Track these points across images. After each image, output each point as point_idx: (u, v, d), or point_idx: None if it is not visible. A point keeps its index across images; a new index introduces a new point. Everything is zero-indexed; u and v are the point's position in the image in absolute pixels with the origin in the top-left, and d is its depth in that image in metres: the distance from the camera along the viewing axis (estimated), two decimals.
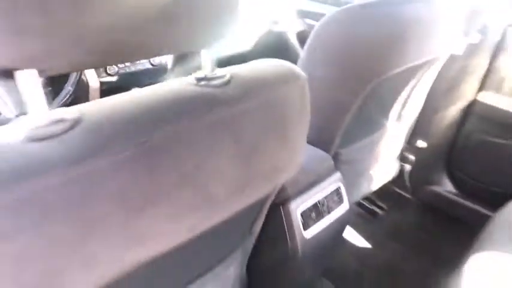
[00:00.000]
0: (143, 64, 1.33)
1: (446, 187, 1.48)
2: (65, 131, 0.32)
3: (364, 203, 1.55)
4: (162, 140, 0.35)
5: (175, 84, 0.42)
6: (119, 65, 1.28)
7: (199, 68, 0.43)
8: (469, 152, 1.41)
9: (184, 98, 0.39)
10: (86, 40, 0.29)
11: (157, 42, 0.33)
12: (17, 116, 0.44)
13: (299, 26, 1.69)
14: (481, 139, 1.37)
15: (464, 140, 1.41)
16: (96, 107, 0.37)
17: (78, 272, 0.33)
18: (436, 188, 1.49)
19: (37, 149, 0.31)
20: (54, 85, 1.08)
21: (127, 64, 1.30)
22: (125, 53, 0.33)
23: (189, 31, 0.34)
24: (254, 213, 0.65)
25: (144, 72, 1.36)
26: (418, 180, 1.50)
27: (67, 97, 1.04)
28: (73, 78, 1.06)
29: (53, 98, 1.06)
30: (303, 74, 0.50)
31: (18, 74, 0.30)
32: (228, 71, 0.44)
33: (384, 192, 1.49)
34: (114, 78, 1.31)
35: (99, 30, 0.29)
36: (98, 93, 1.27)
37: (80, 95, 1.19)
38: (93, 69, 1.23)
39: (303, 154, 0.55)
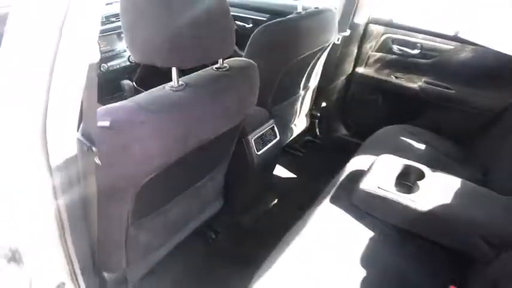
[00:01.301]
0: (125, 62, 1.81)
1: (342, 132, 2.18)
2: (184, 88, 0.87)
3: (290, 150, 2.20)
4: (211, 89, 0.92)
5: (210, 71, 0.98)
6: (108, 64, 1.75)
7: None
8: (353, 106, 2.11)
9: (215, 76, 0.97)
10: (192, 53, 0.83)
11: (211, 51, 0.88)
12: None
13: None
14: (360, 97, 2.06)
15: (350, 99, 2.10)
16: (189, 78, 0.92)
17: (192, 137, 0.89)
18: (336, 134, 2.18)
19: (176, 94, 0.85)
20: None
21: (113, 63, 1.77)
22: (202, 57, 0.87)
23: (221, 47, 0.89)
24: (233, 138, 1.23)
25: (124, 69, 1.84)
26: (324, 130, 2.18)
27: None
28: None
29: None
30: (255, 64, 1.09)
31: (172, 69, 0.84)
32: (227, 64, 1.01)
33: (302, 141, 2.15)
34: (104, 74, 1.77)
35: (194, 50, 0.84)
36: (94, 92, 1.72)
37: None
38: None
39: (256, 102, 1.14)
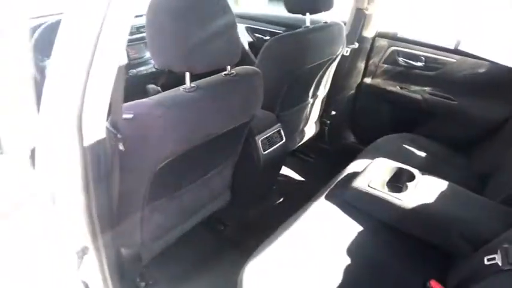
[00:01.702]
0: (151, 68, 2.00)
1: (350, 139, 2.29)
2: (195, 90, 1.04)
3: (300, 155, 2.33)
4: (218, 92, 1.08)
5: (219, 77, 1.14)
6: (136, 69, 1.95)
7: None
8: (362, 115, 2.23)
9: (223, 80, 1.13)
10: (197, 60, 1.00)
11: (218, 60, 1.04)
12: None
13: (250, 38, 2.45)
14: (368, 106, 2.18)
15: (359, 108, 2.22)
16: (200, 82, 1.09)
17: (201, 130, 1.06)
18: (345, 141, 2.30)
19: (188, 95, 1.02)
20: None
21: (141, 69, 1.97)
22: (210, 64, 1.04)
23: (227, 56, 1.06)
24: (240, 136, 1.38)
25: (151, 74, 2.03)
26: (333, 137, 2.30)
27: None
28: None
29: None
30: (260, 72, 1.24)
31: (186, 73, 1.01)
32: (234, 71, 1.17)
33: (312, 146, 2.27)
34: (132, 78, 1.97)
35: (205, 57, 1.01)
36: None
37: None
38: None
39: (260, 105, 1.30)
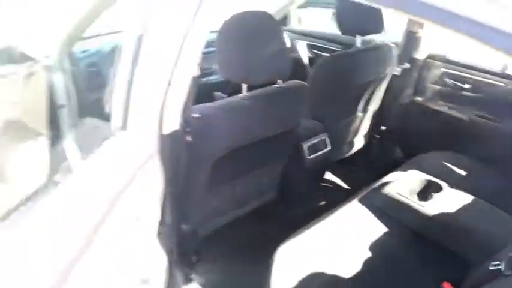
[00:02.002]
0: (218, 79, 2.31)
1: (398, 154, 2.40)
2: (250, 98, 1.29)
3: (348, 165, 2.48)
4: (268, 101, 1.33)
5: (270, 88, 1.39)
6: (206, 78, 2.27)
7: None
8: (410, 132, 2.32)
9: (273, 91, 1.38)
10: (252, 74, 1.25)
11: (270, 75, 1.28)
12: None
13: (309, 54, 2.67)
14: (416, 124, 2.28)
15: (408, 125, 2.32)
16: (255, 92, 1.34)
17: (252, 131, 1.33)
18: (392, 155, 2.40)
19: (244, 102, 1.29)
20: None
21: (211, 78, 2.29)
22: (263, 78, 1.29)
23: (277, 71, 1.30)
24: (286, 141, 1.60)
25: (218, 83, 2.34)
26: (381, 151, 2.42)
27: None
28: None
29: None
30: (306, 85, 1.46)
31: (243, 84, 1.28)
32: (284, 84, 1.40)
33: (360, 158, 2.42)
34: (203, 86, 2.28)
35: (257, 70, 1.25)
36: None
37: None
38: None
39: (305, 115, 1.51)
